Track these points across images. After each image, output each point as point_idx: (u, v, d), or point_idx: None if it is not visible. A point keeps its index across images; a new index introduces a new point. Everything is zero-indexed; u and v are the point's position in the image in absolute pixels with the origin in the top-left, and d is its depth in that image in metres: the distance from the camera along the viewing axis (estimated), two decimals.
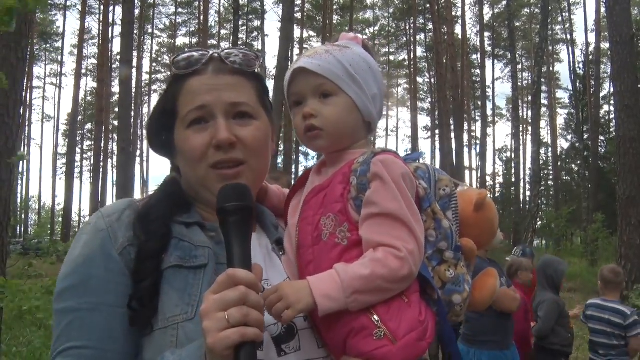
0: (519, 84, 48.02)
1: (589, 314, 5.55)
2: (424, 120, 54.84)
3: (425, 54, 49.35)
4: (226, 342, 0.91)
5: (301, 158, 39.66)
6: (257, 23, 45.74)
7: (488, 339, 5.01)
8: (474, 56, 49.45)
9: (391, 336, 1.08)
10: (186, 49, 1.38)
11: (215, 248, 1.21)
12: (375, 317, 1.10)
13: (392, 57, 52.48)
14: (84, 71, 45.54)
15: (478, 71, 47.69)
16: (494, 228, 1.43)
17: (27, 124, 47.23)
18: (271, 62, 38.31)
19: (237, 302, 0.93)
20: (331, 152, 1.30)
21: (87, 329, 1.12)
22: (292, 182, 1.22)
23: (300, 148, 35.37)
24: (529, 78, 49.52)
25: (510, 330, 5.31)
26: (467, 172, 41.41)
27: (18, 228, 40.67)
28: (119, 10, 33.78)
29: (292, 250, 1.25)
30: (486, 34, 47.83)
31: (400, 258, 1.11)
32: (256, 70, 1.33)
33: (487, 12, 48.39)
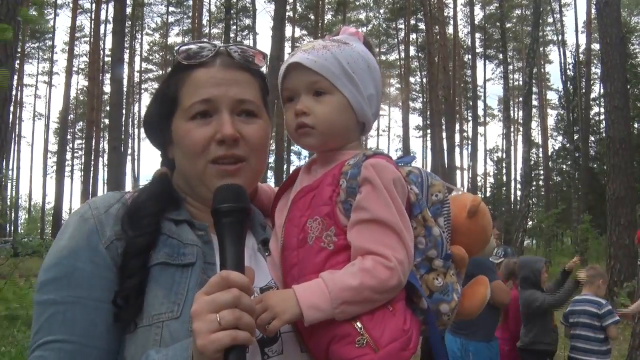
0: (510, 84, 48.22)
1: (569, 310, 5.72)
2: (415, 119, 55.02)
3: (417, 54, 49.44)
4: (217, 345, 0.90)
5: (293, 157, 39.58)
6: (248, 22, 45.60)
7: (475, 330, 5.06)
8: (466, 57, 49.61)
9: (373, 344, 1.05)
10: (191, 40, 1.38)
11: (203, 247, 1.19)
12: (359, 325, 1.07)
13: (384, 57, 52.47)
14: (75, 69, 45.29)
15: (469, 71, 47.88)
16: (487, 235, 1.38)
17: (17, 122, 46.79)
18: None
19: (229, 304, 0.92)
20: (323, 151, 1.26)
21: (69, 323, 1.10)
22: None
23: (292, 147, 35.32)
24: (520, 79, 49.78)
25: (496, 322, 5.46)
26: (458, 172, 41.54)
27: (8, 227, 40.29)
28: (111, 8, 33.59)
29: (277, 252, 1.22)
30: (478, 34, 48.02)
31: (389, 268, 1.08)
32: (261, 68, 1.31)
33: (478, 13, 48.63)
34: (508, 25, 46.19)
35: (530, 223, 27.29)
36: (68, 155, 48.59)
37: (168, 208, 1.24)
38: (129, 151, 44.85)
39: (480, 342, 5.15)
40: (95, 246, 1.14)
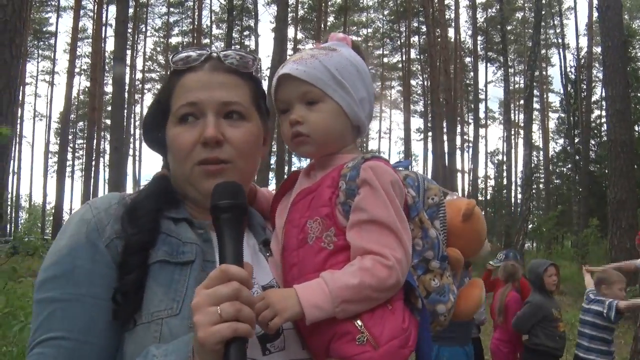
0: (512, 87, 48.22)
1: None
2: (416, 122, 55.05)
3: (418, 57, 49.46)
4: (218, 337, 0.90)
5: (294, 159, 39.55)
6: (250, 23, 45.64)
7: (449, 335, 5.08)
8: (467, 59, 49.62)
9: (374, 342, 1.08)
10: (186, 48, 1.37)
11: (202, 245, 1.21)
12: (359, 323, 1.09)
13: (385, 59, 52.54)
14: (77, 70, 45.33)
15: (471, 74, 47.92)
16: (482, 239, 1.42)
17: (18, 121, 46.79)
18: (264, 62, 38.31)
19: (230, 297, 0.93)
20: (320, 156, 1.29)
21: (69, 319, 1.10)
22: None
23: None
24: (521, 81, 49.79)
25: (471, 327, 5.56)
26: (459, 175, 41.55)
27: (8, 227, 40.27)
28: (112, 9, 33.66)
29: (278, 253, 1.24)
30: (479, 37, 48.01)
31: (388, 267, 1.10)
32: (253, 72, 1.31)
33: (481, 16, 48.61)
34: (509, 27, 46.20)
35: (530, 226, 27.27)
36: (69, 156, 48.61)
37: (167, 207, 1.25)
38: (130, 152, 44.92)
39: (454, 347, 5.19)
40: (96, 245, 1.15)
